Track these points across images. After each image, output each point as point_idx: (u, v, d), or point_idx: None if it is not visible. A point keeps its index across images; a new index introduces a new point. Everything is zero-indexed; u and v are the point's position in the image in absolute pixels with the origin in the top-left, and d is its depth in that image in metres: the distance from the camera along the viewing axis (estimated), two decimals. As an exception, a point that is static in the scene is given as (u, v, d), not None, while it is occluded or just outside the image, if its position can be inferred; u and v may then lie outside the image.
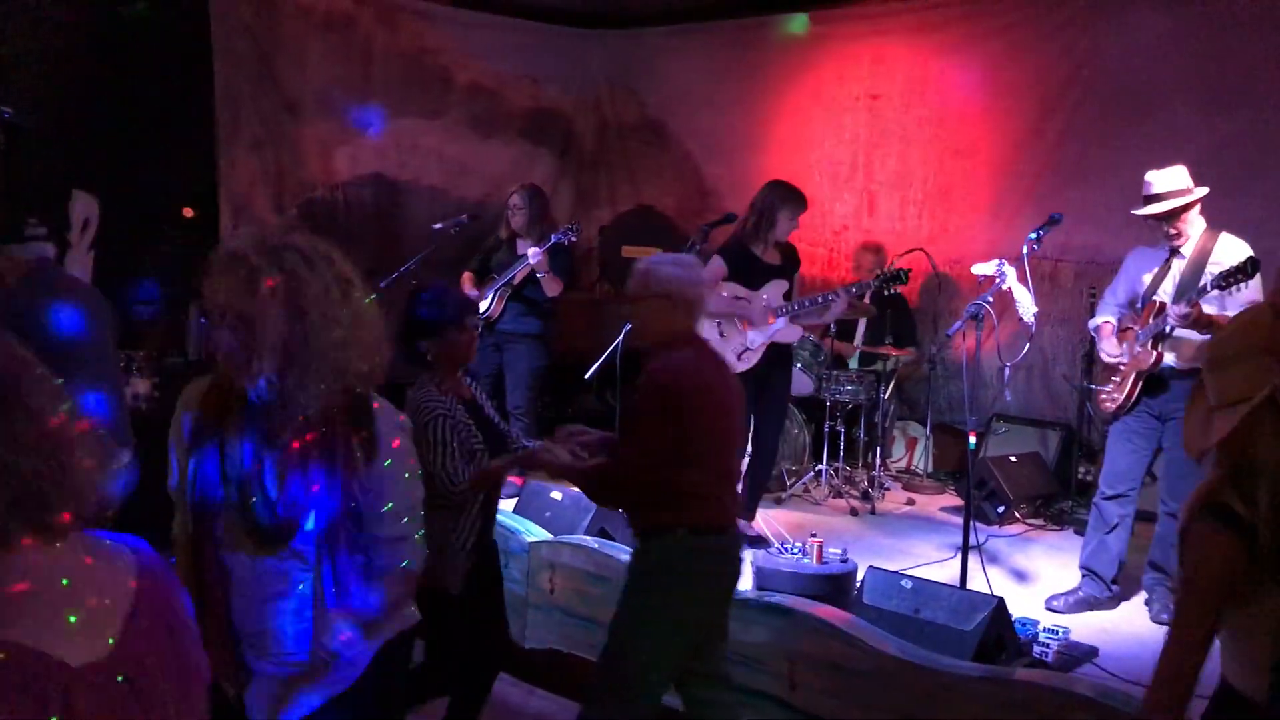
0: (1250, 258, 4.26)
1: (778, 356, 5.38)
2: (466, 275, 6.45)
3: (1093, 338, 5.04)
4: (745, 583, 4.63)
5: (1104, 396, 4.75)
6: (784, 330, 5.29)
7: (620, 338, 5.07)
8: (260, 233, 2.17)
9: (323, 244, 2.19)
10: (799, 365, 6.39)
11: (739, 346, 5.28)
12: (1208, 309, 4.35)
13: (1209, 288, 4.29)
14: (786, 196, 5.26)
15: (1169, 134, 6.05)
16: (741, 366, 5.26)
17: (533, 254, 6.07)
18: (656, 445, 3.09)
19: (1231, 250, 4.43)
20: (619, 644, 3.22)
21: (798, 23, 7.77)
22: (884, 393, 6.71)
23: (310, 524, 2.14)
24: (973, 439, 4.46)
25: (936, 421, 6.99)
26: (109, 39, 6.62)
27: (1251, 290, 4.33)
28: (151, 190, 6.88)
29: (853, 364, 6.99)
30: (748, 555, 5.07)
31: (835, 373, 6.56)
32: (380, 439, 2.20)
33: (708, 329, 5.34)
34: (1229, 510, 1.82)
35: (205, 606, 2.15)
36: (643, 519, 3.25)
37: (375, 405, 2.26)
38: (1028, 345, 5.23)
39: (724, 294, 5.31)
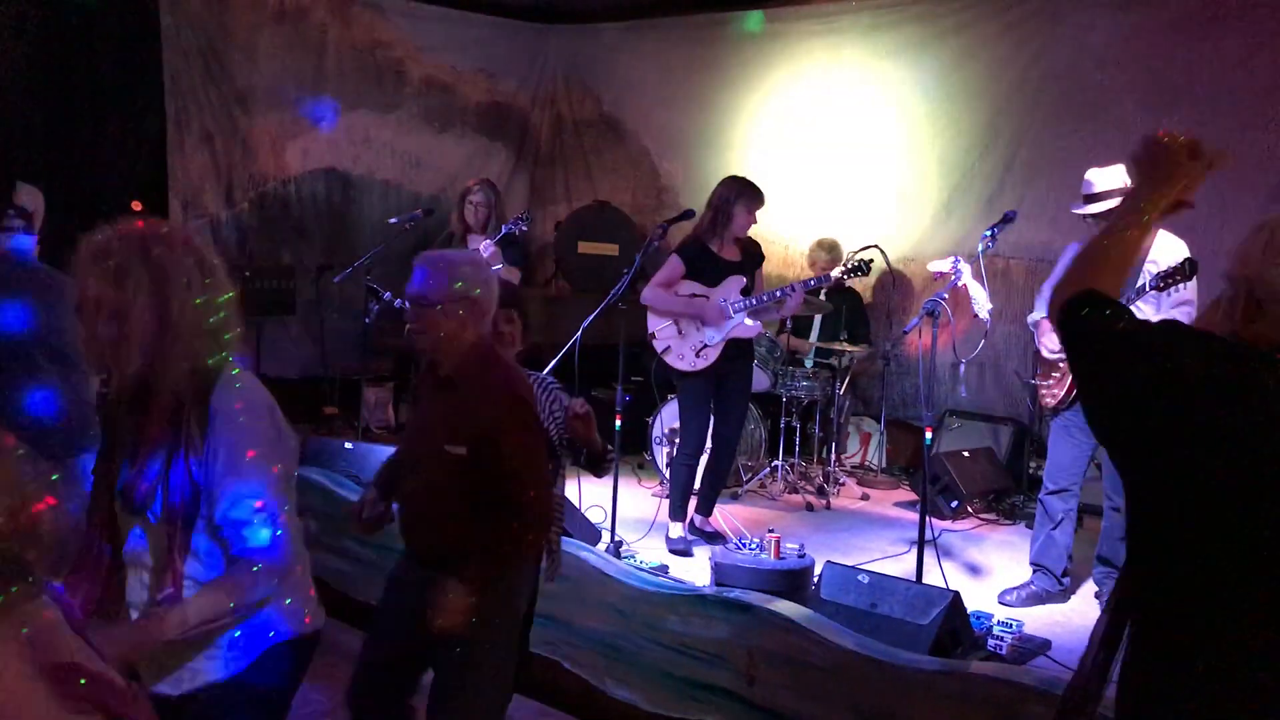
0: (1188, 259, 4.31)
1: (738, 353, 5.37)
2: (420, 272, 6.38)
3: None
4: (704, 579, 4.65)
5: (1044, 392, 4.81)
6: (742, 326, 5.29)
7: (578, 334, 5.04)
8: (121, 226, 2.23)
9: (182, 230, 2.31)
10: (755, 361, 6.40)
11: (697, 344, 5.28)
12: (1145, 308, 4.41)
13: (1147, 288, 4.34)
14: (742, 191, 5.26)
15: (1118, 133, 6.14)
16: (701, 364, 5.26)
17: (484, 247, 6.05)
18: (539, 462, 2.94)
19: (1169, 249, 4.47)
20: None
21: (753, 20, 7.79)
22: (839, 389, 6.76)
23: (158, 502, 2.16)
24: (929, 435, 4.50)
25: (890, 417, 7.05)
26: (55, 28, 6.48)
27: (1188, 291, 4.39)
28: (99, 182, 6.75)
29: (808, 361, 7.03)
30: (705, 551, 5.10)
31: (791, 369, 6.59)
32: (216, 415, 2.17)
33: (666, 327, 5.34)
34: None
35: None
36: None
37: (226, 380, 2.22)
38: (983, 341, 5.29)
39: (682, 292, 5.31)
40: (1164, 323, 1.81)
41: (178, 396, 2.17)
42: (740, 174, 5.40)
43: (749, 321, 5.30)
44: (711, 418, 5.39)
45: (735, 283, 5.29)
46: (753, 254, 5.43)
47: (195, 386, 2.18)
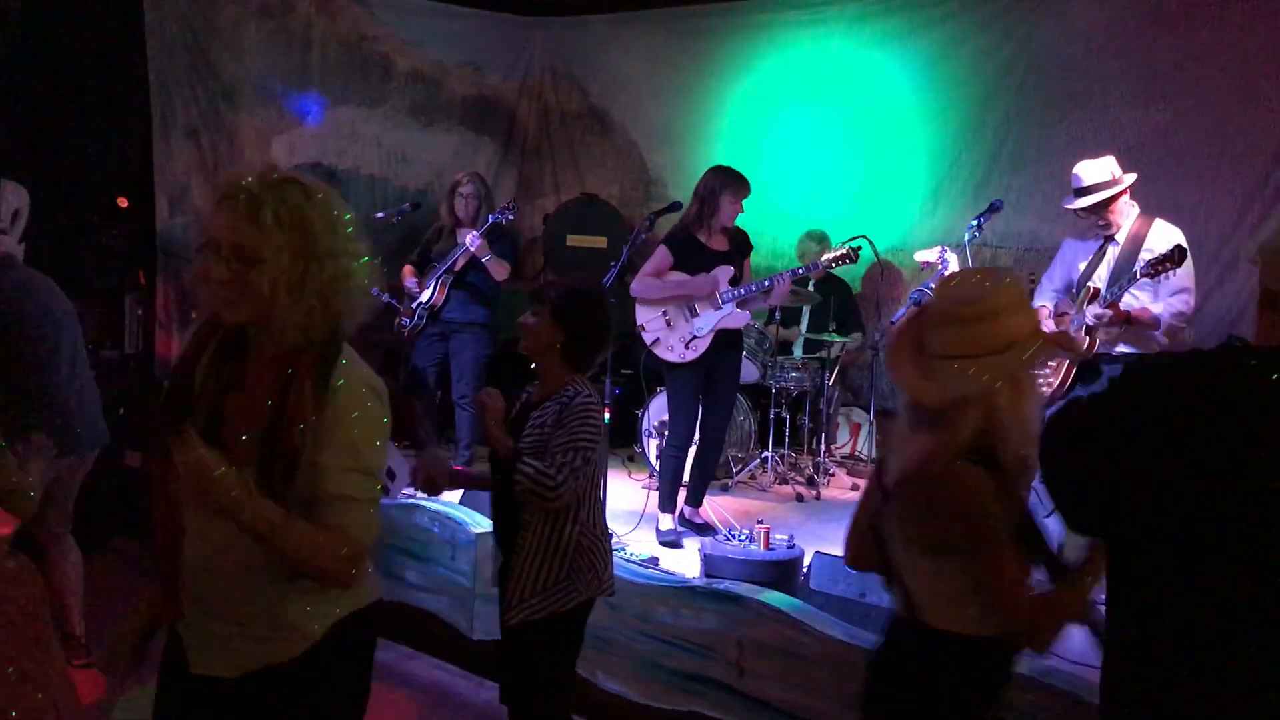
0: (1177, 245, 4.33)
1: (727, 343, 5.36)
2: (407, 268, 6.37)
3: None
4: (693, 570, 4.66)
5: (1039, 382, 4.82)
6: (730, 316, 5.28)
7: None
8: (263, 170, 2.11)
9: (324, 186, 2.14)
10: (744, 353, 6.41)
11: (686, 335, 5.27)
12: (1137, 301, 4.43)
13: (1138, 275, 4.36)
14: (727, 181, 5.26)
15: (1105, 122, 6.17)
16: (691, 355, 5.26)
17: (470, 238, 6.04)
18: None
19: (1165, 236, 4.50)
20: None
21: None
22: (828, 379, 6.76)
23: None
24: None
25: (880, 407, 7.06)
26: (38, 23, 6.44)
27: (1181, 277, 4.41)
28: (84, 180, 6.72)
29: (797, 351, 7.03)
30: (695, 543, 5.11)
31: (780, 360, 6.60)
32: (337, 392, 2.06)
33: (655, 319, 5.33)
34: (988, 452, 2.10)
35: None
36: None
37: (344, 360, 2.11)
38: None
39: (671, 283, 5.31)
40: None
41: (288, 359, 2.05)
42: (727, 165, 5.39)
43: (737, 311, 5.31)
44: (700, 409, 5.38)
45: (724, 272, 5.29)
46: (740, 244, 5.42)
47: (311, 357, 2.05)
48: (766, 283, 5.28)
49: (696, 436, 5.44)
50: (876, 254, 5.81)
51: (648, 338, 5.36)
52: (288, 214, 2.02)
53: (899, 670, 2.31)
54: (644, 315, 5.37)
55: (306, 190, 2.08)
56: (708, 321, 5.26)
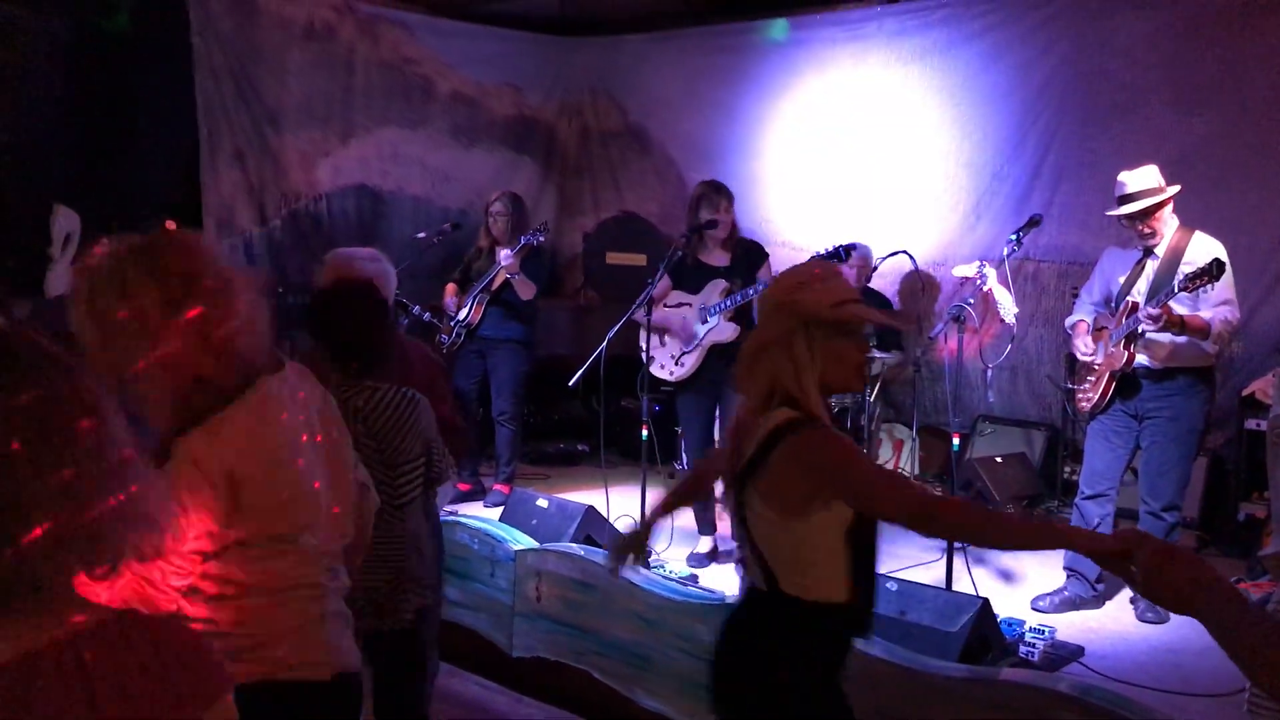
0: (1215, 260, 4.28)
1: (731, 361, 5.17)
2: (450, 286, 6.44)
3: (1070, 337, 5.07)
4: (732, 588, 4.64)
5: (1080, 396, 4.79)
6: (718, 329, 5.17)
7: (604, 344, 5.05)
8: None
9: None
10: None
11: (676, 351, 5.23)
12: (1180, 309, 4.38)
13: (1176, 289, 4.31)
14: (703, 194, 5.23)
15: (1147, 134, 6.09)
16: (681, 372, 5.20)
17: (503, 256, 6.08)
18: None
19: (1205, 249, 4.45)
20: None
21: (778, 28, 7.79)
22: (869, 395, 6.72)
23: None
24: (956, 440, 4.48)
25: (922, 424, 7.00)
26: (90, 52, 6.60)
27: (1221, 290, 4.36)
28: (134, 204, 6.86)
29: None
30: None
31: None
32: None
33: (653, 339, 5.29)
34: None
35: None
36: None
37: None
38: (1010, 346, 5.25)
39: (670, 302, 5.29)
40: None
41: None
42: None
43: (726, 324, 5.16)
44: (715, 432, 5.28)
45: (715, 287, 5.21)
46: (748, 256, 5.28)
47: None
48: (751, 292, 5.13)
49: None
50: (917, 268, 5.77)
51: (646, 359, 5.32)
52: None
53: (754, 636, 2.41)
54: (643, 338, 5.30)
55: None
56: (695, 336, 5.20)
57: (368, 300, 3.14)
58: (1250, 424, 5.51)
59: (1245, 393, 5.55)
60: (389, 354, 3.14)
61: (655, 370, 5.28)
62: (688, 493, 2.95)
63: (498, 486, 6.32)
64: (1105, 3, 6.40)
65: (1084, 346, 4.75)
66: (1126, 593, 4.77)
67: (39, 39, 6.41)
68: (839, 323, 2.32)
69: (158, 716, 1.20)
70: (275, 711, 2.03)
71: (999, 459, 6.28)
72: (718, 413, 5.40)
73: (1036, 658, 4.05)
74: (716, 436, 5.28)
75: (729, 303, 5.16)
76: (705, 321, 5.15)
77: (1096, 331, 4.73)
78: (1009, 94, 6.82)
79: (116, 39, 6.68)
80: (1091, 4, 6.46)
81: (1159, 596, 1.66)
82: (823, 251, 5.07)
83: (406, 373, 3.44)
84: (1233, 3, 5.96)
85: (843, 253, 5.03)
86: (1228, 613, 1.56)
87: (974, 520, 2.29)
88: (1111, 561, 1.82)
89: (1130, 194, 4.57)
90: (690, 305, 5.25)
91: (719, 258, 5.26)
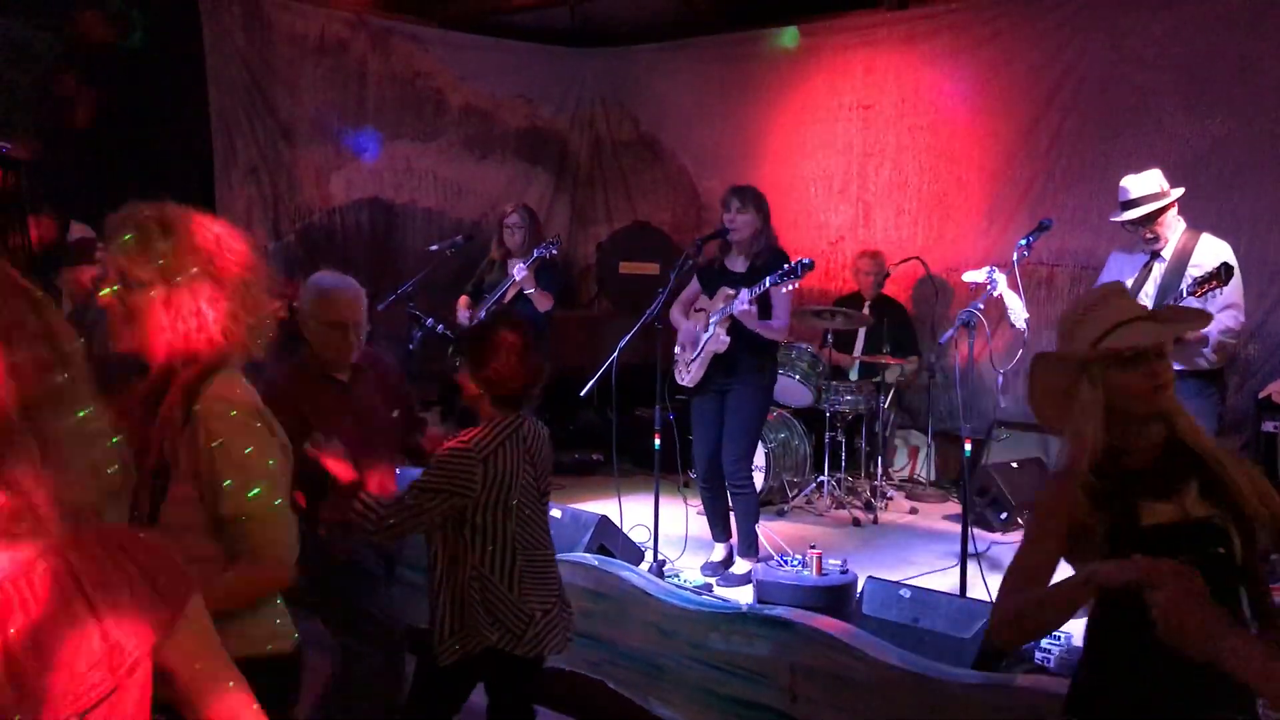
0: (1224, 263, 4.25)
1: (728, 368, 5.06)
2: (463, 299, 6.46)
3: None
4: (746, 596, 4.64)
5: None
6: (713, 339, 5.05)
7: (615, 354, 5.05)
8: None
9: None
10: (797, 377, 6.39)
11: (689, 358, 5.23)
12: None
13: (1184, 294, 4.29)
14: (721, 197, 5.22)
15: (1160, 137, 6.08)
16: (689, 379, 5.19)
17: (517, 270, 6.10)
18: None
19: (1212, 251, 4.43)
20: None
21: (788, 35, 7.80)
22: (884, 402, 6.71)
23: None
24: (968, 446, 4.46)
25: (938, 429, 6.98)
26: (104, 69, 6.66)
27: (1229, 293, 4.33)
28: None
29: (853, 374, 6.97)
30: (747, 565, 5.05)
31: (834, 383, 6.55)
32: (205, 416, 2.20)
33: (678, 345, 5.30)
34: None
35: None
36: None
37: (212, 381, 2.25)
38: (1021, 351, 5.22)
39: (698, 308, 5.29)
40: None
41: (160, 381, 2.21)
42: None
43: (718, 336, 5.03)
44: (720, 442, 5.13)
45: (722, 295, 5.10)
46: (765, 264, 5.06)
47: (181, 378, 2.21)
48: (736, 305, 4.96)
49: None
50: (929, 274, 5.76)
51: (674, 365, 5.31)
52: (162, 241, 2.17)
53: None
54: (674, 343, 5.33)
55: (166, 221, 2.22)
56: (698, 344, 5.19)
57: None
58: (1268, 426, 5.45)
59: (1262, 395, 5.51)
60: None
61: (677, 376, 5.29)
62: None
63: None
64: (1116, 6, 6.39)
65: None
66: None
67: (56, 59, 6.47)
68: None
69: (144, 614, 1.29)
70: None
71: (1015, 464, 6.25)
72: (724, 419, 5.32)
73: (1052, 664, 4.02)
74: (723, 443, 5.17)
75: (720, 313, 5.03)
76: (707, 329, 5.13)
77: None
78: (1020, 99, 6.82)
79: (132, 55, 6.74)
80: (1102, 8, 6.45)
81: (1176, 643, 1.76)
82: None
83: (377, 386, 3.67)
84: (1244, 4, 5.94)
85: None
86: (1240, 657, 1.71)
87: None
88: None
89: (1133, 199, 4.55)
90: (704, 312, 5.25)
91: (739, 264, 5.16)
